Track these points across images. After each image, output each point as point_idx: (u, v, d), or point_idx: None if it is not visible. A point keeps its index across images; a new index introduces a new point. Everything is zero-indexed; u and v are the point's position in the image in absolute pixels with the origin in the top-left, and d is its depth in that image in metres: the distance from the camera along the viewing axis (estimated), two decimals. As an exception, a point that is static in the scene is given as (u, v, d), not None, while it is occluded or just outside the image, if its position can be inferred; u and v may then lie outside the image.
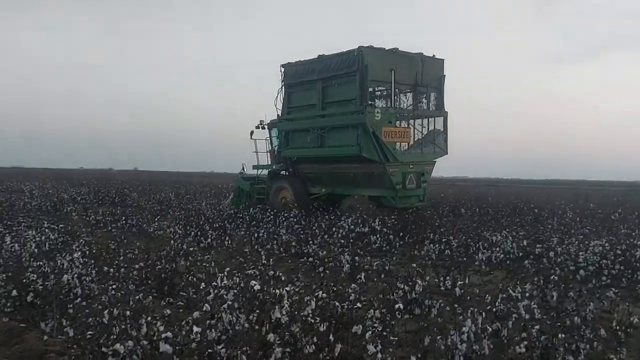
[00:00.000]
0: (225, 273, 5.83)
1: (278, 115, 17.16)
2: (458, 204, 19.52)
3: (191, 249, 10.13)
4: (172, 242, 10.86)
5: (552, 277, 7.44)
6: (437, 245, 10.66)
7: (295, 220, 13.76)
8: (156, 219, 14.66)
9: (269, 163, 18.49)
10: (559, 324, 5.58)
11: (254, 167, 18.93)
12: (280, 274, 5.71)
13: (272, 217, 14.59)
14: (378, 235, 11.73)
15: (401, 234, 12.00)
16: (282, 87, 16.82)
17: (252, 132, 18.18)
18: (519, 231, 12.36)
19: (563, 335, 4.79)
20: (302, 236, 11.46)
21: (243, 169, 19.84)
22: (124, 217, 14.73)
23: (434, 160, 15.97)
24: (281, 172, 17.87)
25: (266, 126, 18.32)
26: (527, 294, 6.73)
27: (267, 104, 18.10)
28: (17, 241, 9.60)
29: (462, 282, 7.35)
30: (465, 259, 9.80)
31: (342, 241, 11.03)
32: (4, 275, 6.89)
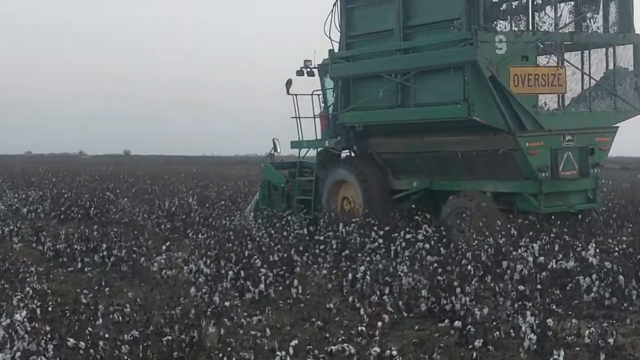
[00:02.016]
0: (291, 350, 5.94)
1: (331, 51, 17.73)
2: None
3: (228, 303, 10.39)
4: (192, 290, 11.18)
5: None
6: None
7: (426, 246, 13.77)
8: (164, 247, 15.18)
9: (320, 137, 19.04)
10: None
11: (293, 144, 19.62)
12: (395, 352, 5.76)
13: (379, 240, 14.75)
14: (595, 276, 11.55)
15: (642, 272, 11.74)
16: (337, 1, 17.47)
17: (289, 82, 18.71)
18: None
19: None
20: (440, 278, 11.44)
21: (275, 148, 20.33)
22: (105, 245, 15.34)
23: (615, 125, 16.22)
24: (341, 153, 18.54)
25: (315, 71, 18.96)
26: None
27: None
28: None
29: None
30: None
31: (522, 287, 10.94)
32: None
